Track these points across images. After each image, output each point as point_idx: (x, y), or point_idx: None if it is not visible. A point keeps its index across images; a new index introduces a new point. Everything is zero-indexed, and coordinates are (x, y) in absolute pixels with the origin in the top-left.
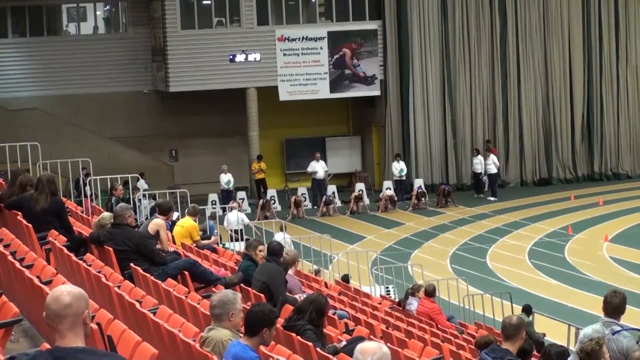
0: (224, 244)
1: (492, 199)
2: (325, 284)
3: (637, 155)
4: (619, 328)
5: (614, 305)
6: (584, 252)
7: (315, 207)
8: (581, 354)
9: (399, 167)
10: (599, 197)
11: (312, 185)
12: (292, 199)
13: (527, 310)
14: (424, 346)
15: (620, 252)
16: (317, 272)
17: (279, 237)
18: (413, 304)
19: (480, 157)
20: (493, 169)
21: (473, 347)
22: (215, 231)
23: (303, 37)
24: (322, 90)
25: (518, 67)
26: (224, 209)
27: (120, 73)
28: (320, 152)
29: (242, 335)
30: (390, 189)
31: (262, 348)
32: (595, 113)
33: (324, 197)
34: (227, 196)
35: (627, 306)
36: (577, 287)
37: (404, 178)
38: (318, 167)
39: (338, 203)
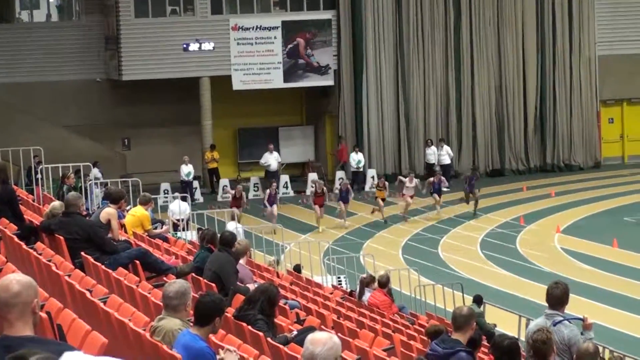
0: (176, 233)
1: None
2: (277, 274)
3: (590, 147)
4: (560, 318)
5: (556, 297)
6: (536, 243)
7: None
8: (537, 343)
9: (357, 159)
10: (551, 189)
11: (265, 177)
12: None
13: (478, 300)
14: (375, 336)
15: (572, 244)
16: (277, 263)
17: (231, 226)
18: (366, 295)
19: (433, 147)
20: (446, 160)
21: (424, 337)
22: (167, 220)
23: (257, 27)
24: (276, 80)
25: (471, 58)
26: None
27: (73, 61)
28: (273, 143)
29: (192, 324)
30: (342, 178)
31: (214, 339)
32: (548, 104)
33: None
34: (187, 187)
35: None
36: (528, 278)
37: (361, 169)
38: (271, 160)
39: (291, 193)
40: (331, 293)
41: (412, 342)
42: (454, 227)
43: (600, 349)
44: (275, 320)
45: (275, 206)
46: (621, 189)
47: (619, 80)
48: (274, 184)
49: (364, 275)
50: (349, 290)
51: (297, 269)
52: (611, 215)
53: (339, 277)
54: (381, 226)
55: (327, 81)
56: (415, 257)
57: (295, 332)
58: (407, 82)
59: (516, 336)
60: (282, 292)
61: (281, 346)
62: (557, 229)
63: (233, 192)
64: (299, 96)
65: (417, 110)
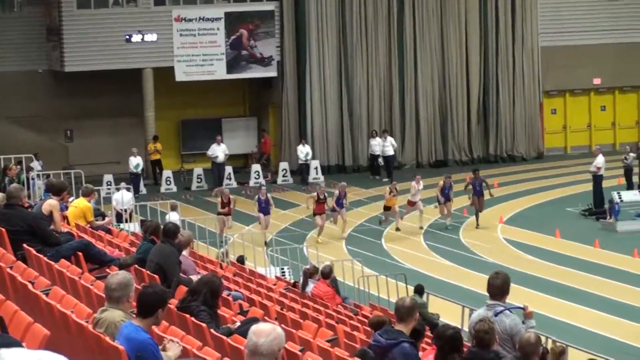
0: (119, 225)
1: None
2: (221, 265)
3: (532, 138)
4: (501, 308)
5: (497, 287)
6: (479, 233)
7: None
8: (480, 333)
9: (304, 151)
10: (494, 179)
11: (212, 168)
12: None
13: (419, 291)
14: (319, 327)
15: (515, 234)
16: (226, 255)
17: (173, 217)
18: (310, 286)
19: (378, 138)
20: (390, 151)
21: (367, 328)
22: (110, 212)
23: (200, 18)
24: (219, 71)
25: (415, 49)
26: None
27: (15, 52)
28: (216, 134)
29: (134, 316)
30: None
31: (157, 330)
32: (491, 96)
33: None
34: (135, 179)
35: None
36: (471, 268)
37: (309, 162)
38: (219, 151)
39: (234, 185)
40: (275, 284)
41: (355, 333)
42: (394, 217)
43: (543, 338)
44: (219, 311)
45: (268, 216)
46: (564, 179)
47: (562, 71)
48: (263, 188)
49: (308, 267)
50: (292, 281)
51: (241, 260)
52: (554, 205)
53: (282, 269)
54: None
55: (270, 72)
56: (358, 248)
57: (238, 324)
58: (351, 74)
59: (459, 326)
60: (225, 283)
61: (224, 337)
62: (500, 219)
63: (219, 197)
64: (242, 87)
65: (360, 101)
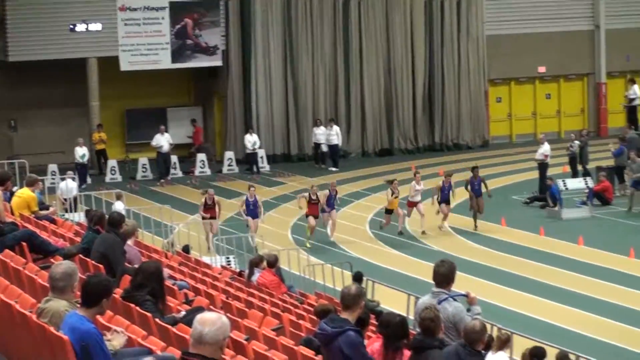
0: (64, 215)
1: (334, 169)
2: (166, 254)
3: (478, 126)
4: (445, 296)
5: (442, 275)
6: (424, 221)
7: (162, 180)
8: (425, 321)
9: (252, 140)
10: (439, 168)
11: (157, 158)
12: None
13: (358, 278)
14: (264, 316)
15: (460, 222)
16: (172, 245)
17: (118, 206)
18: (256, 275)
19: (322, 127)
20: (335, 140)
21: (313, 316)
22: (54, 202)
23: (144, 7)
24: (164, 61)
25: (360, 38)
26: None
27: None
28: (161, 123)
29: (79, 305)
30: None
31: (102, 320)
32: (436, 84)
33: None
34: (82, 169)
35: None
36: (417, 256)
37: (257, 151)
38: (163, 141)
39: (180, 174)
40: (220, 273)
41: (301, 322)
42: (342, 206)
43: (489, 326)
44: (164, 301)
45: (257, 220)
46: (509, 167)
47: (507, 59)
48: (252, 189)
49: (253, 256)
50: (238, 270)
51: (186, 249)
52: (499, 193)
53: (228, 258)
54: (271, 206)
55: (216, 62)
56: (304, 237)
57: (183, 313)
58: (296, 63)
59: (405, 314)
60: (171, 273)
61: (170, 327)
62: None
63: (203, 198)
64: (187, 77)
65: (306, 90)
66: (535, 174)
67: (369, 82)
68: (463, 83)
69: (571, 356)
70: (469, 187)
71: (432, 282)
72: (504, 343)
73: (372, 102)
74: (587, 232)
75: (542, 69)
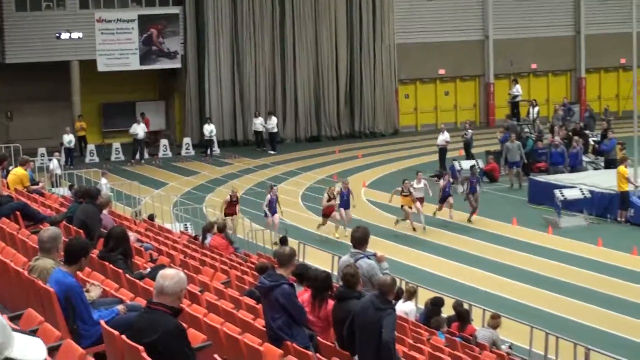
0: (51, 189)
1: (272, 152)
2: (134, 221)
3: (389, 117)
4: (361, 255)
5: (357, 238)
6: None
7: (132, 160)
8: (346, 276)
9: (209, 129)
10: (358, 152)
11: (133, 144)
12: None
13: (283, 241)
14: (215, 272)
15: (375, 196)
16: (138, 214)
17: (103, 181)
18: (208, 239)
19: (260, 118)
20: (274, 129)
21: (255, 272)
22: (43, 178)
23: (117, 19)
24: (133, 63)
25: (294, 44)
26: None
27: None
28: (132, 116)
29: (62, 263)
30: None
31: (81, 275)
32: (356, 83)
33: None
34: (69, 153)
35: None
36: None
37: (213, 138)
38: (139, 129)
39: (146, 156)
40: (179, 237)
41: (245, 277)
42: (279, 182)
43: (398, 280)
44: (133, 260)
45: (276, 215)
46: (415, 151)
47: (414, 63)
48: (275, 188)
49: (206, 223)
50: (193, 235)
51: (151, 217)
52: (407, 172)
53: (185, 225)
54: (221, 182)
55: (176, 64)
56: (248, 207)
57: (149, 270)
58: (242, 65)
59: (330, 271)
60: (138, 237)
61: (137, 281)
62: (364, 184)
63: (227, 196)
64: (153, 76)
65: (249, 87)
66: (436, 157)
67: (301, 81)
68: (377, 82)
69: (465, 305)
70: (466, 185)
71: (350, 244)
72: (412, 294)
73: (303, 97)
74: (479, 204)
75: (442, 71)
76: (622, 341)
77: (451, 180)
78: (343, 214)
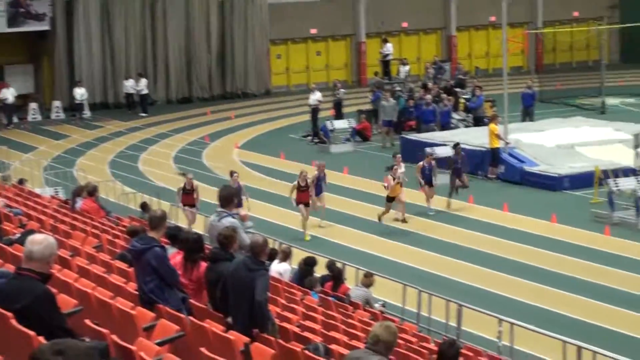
0: None
1: (143, 114)
2: (3, 187)
3: (261, 78)
4: (226, 215)
5: (223, 197)
6: (218, 156)
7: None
8: (220, 237)
9: (80, 92)
10: (231, 112)
11: (3, 108)
12: None
13: (143, 207)
14: (86, 236)
15: (248, 156)
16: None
17: None
18: (79, 203)
19: (131, 80)
20: (144, 90)
21: (126, 235)
22: None
23: None
24: (1, 26)
25: (164, 6)
26: None
27: None
28: (2, 80)
29: None
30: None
31: None
32: (227, 44)
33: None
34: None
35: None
36: (210, 184)
37: (84, 101)
38: (8, 94)
39: (15, 120)
40: (49, 202)
41: (116, 240)
42: (151, 145)
43: (272, 242)
44: (2, 226)
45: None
46: (287, 111)
47: (285, 23)
48: (236, 175)
49: (76, 187)
50: (64, 199)
51: (21, 182)
52: (279, 133)
53: (55, 189)
54: (92, 145)
55: (44, 26)
56: (119, 170)
57: (18, 235)
58: (112, 27)
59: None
60: (6, 202)
61: (6, 246)
62: (236, 145)
63: (183, 183)
64: (22, 40)
65: (120, 49)
66: (308, 117)
67: (172, 42)
68: (249, 42)
69: (338, 264)
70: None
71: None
72: (286, 255)
73: (174, 58)
74: (351, 164)
75: (313, 31)
76: (486, 294)
77: (433, 162)
78: (317, 202)
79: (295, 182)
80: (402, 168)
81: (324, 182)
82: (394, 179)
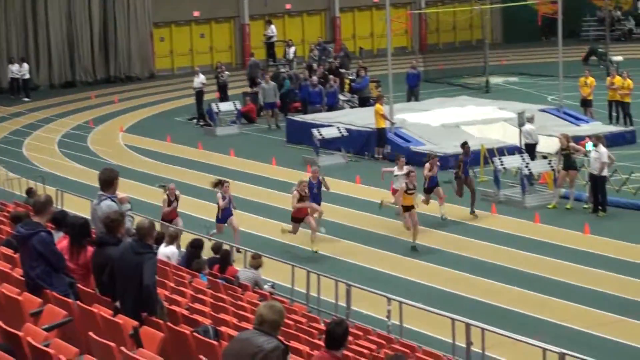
0: None
1: (26, 99)
2: None
3: (145, 61)
4: (105, 197)
5: (103, 180)
6: (104, 141)
7: None
8: (106, 220)
9: None
10: (115, 96)
11: None
12: None
13: (28, 192)
14: None
15: (133, 140)
16: None
17: None
18: None
19: (16, 65)
20: (27, 75)
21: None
22: None
23: None
24: None
25: None
26: None
27: None
28: None
29: None
30: None
31: None
32: (110, 27)
33: None
34: None
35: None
36: (91, 167)
37: None
38: None
39: None
40: None
41: (2, 227)
42: (35, 130)
43: (158, 224)
44: None
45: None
46: (172, 94)
47: (168, 6)
48: (226, 184)
49: None
50: None
51: None
52: (165, 116)
53: None
54: None
55: None
56: (3, 156)
57: None
58: None
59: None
60: None
61: None
62: (121, 128)
63: (165, 195)
64: None
65: (1, 33)
66: (193, 100)
67: (53, 26)
68: (132, 26)
69: (225, 246)
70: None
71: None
72: (174, 238)
73: (56, 42)
74: (237, 146)
75: (196, 13)
76: (377, 275)
77: (439, 164)
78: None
79: (296, 193)
80: (403, 170)
81: (319, 189)
82: (408, 189)
